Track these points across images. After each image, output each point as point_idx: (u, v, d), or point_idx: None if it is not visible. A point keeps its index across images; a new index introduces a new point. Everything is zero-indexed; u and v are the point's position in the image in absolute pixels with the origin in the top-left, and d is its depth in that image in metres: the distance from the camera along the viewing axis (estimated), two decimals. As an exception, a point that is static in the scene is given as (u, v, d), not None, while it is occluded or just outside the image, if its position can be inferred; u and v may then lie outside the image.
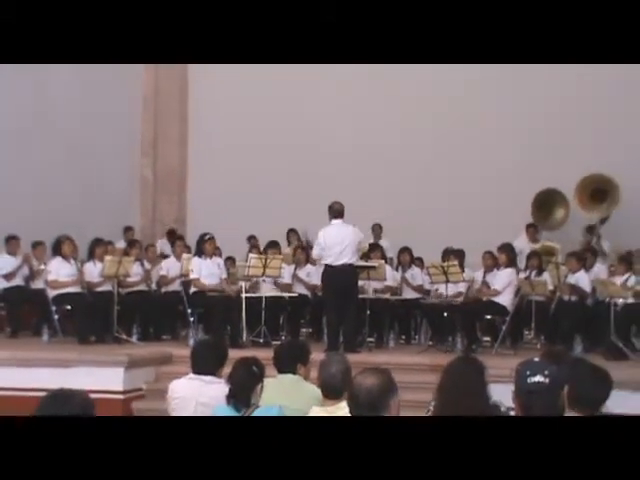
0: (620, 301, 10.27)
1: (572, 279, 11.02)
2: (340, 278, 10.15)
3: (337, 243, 10.13)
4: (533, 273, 11.26)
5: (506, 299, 10.65)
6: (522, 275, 11.27)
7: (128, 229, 13.87)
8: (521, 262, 11.71)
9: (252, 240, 13.16)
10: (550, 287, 11.15)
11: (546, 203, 13.66)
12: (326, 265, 10.26)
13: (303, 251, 12.05)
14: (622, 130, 13.85)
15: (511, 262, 10.92)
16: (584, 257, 11.52)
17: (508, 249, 11.00)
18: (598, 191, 13.39)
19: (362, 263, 11.15)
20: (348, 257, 10.15)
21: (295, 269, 12.01)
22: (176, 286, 11.83)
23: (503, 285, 10.67)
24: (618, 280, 10.62)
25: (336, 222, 10.28)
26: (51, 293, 11.07)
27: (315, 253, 10.71)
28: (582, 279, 10.99)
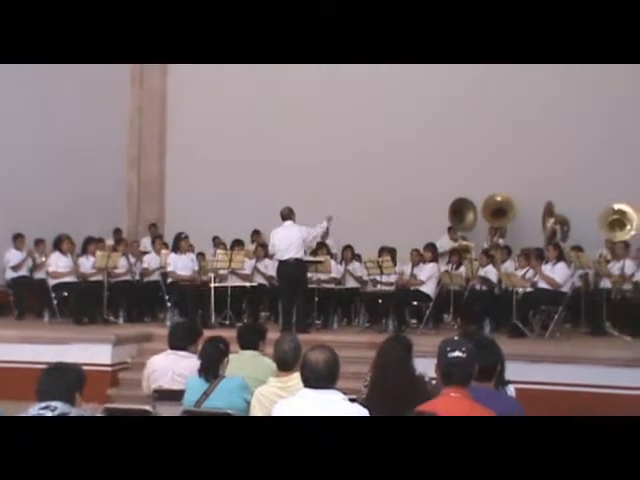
0: (520, 290, 10.37)
1: (482, 272, 11.18)
2: (289, 270, 10.13)
3: (284, 241, 10.12)
4: (453, 267, 11.34)
5: (429, 288, 10.72)
6: (443, 268, 11.34)
7: (117, 230, 13.77)
8: (443, 258, 11.79)
9: (216, 240, 13.05)
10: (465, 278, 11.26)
11: (459, 209, 13.76)
12: (278, 260, 10.26)
13: (263, 248, 11.99)
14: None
15: (434, 258, 11.04)
16: (492, 255, 11.70)
17: (432, 247, 11.14)
18: (498, 210, 13.56)
19: (311, 258, 11.16)
20: (294, 252, 10.13)
21: (256, 262, 11.95)
22: (156, 277, 11.81)
23: (427, 277, 10.74)
24: (519, 273, 10.74)
25: (287, 224, 10.26)
26: (51, 282, 10.96)
27: (269, 249, 10.85)
28: (490, 272, 11.16)
